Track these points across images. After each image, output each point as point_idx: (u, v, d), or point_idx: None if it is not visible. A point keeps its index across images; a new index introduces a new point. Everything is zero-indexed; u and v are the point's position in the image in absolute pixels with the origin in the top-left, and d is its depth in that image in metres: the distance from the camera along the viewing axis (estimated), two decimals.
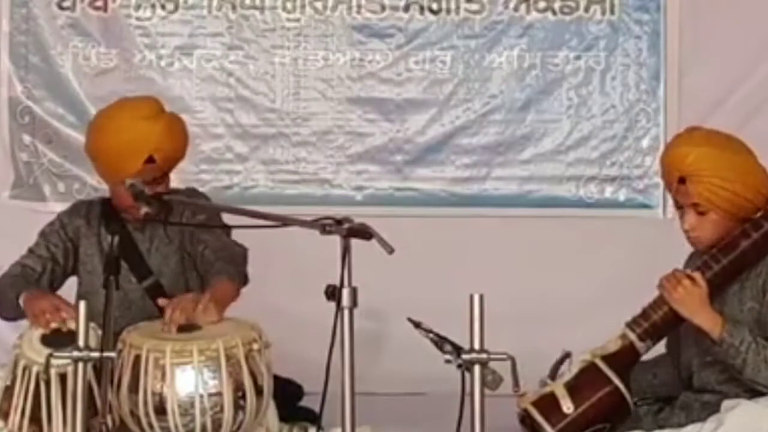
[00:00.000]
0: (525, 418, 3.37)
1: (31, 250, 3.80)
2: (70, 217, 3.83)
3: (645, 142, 5.15)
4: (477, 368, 2.79)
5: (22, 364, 3.31)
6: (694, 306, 3.30)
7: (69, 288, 3.83)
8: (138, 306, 3.71)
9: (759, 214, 3.38)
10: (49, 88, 5.15)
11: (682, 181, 3.39)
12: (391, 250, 2.83)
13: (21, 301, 3.54)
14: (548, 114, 5.20)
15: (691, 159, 3.38)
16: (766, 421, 3.17)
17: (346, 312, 2.84)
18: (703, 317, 3.29)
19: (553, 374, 3.42)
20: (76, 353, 2.92)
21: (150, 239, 3.78)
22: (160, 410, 3.15)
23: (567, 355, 3.42)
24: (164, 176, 3.72)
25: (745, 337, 3.26)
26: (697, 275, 3.32)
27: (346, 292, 2.84)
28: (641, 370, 3.52)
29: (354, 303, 2.85)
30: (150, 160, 3.64)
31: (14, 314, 3.62)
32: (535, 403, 3.34)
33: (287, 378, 3.89)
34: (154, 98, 3.83)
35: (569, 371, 3.38)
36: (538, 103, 5.19)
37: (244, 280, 3.66)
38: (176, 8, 5.14)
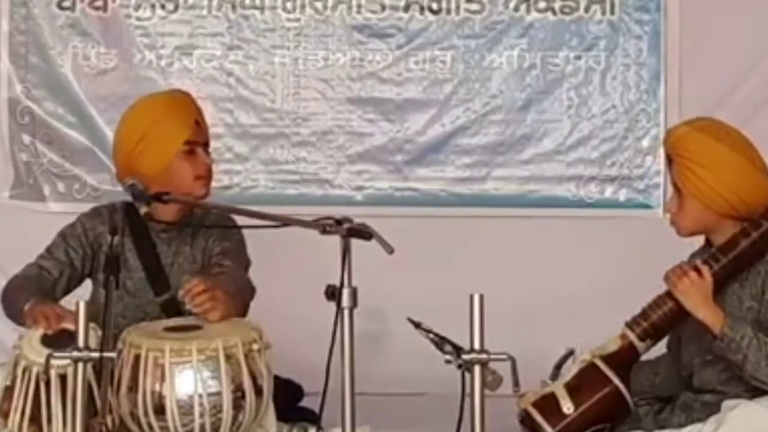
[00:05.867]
0: (525, 419, 3.37)
1: (49, 251, 3.70)
2: (92, 221, 3.72)
3: (645, 142, 5.15)
4: (477, 368, 2.79)
5: (22, 364, 3.30)
6: (698, 299, 3.29)
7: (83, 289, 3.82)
8: (153, 319, 3.59)
9: (759, 214, 3.38)
10: (49, 88, 5.15)
11: (669, 159, 3.42)
12: (391, 250, 2.82)
13: (24, 310, 3.50)
14: (548, 114, 5.20)
15: (675, 139, 3.42)
16: (767, 422, 3.17)
17: (346, 312, 2.84)
18: (706, 311, 3.28)
19: (556, 372, 3.43)
20: (76, 353, 2.92)
21: (174, 254, 3.71)
22: (159, 410, 3.14)
23: (570, 353, 3.43)
24: (208, 146, 3.75)
25: (746, 332, 3.25)
26: (704, 268, 3.31)
27: (346, 292, 2.84)
28: (643, 369, 3.53)
29: (354, 303, 2.85)
30: (196, 122, 3.68)
31: (18, 319, 3.57)
32: (535, 404, 3.34)
33: (287, 378, 3.89)
34: None
35: (570, 371, 3.39)
36: (538, 103, 5.19)
37: (244, 312, 3.59)
38: (176, 8, 5.15)
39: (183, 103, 3.73)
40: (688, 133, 3.40)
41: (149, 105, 3.73)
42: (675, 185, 3.43)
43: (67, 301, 3.60)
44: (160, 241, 3.71)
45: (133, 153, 3.62)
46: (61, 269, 3.68)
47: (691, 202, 3.37)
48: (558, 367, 3.44)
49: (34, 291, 3.57)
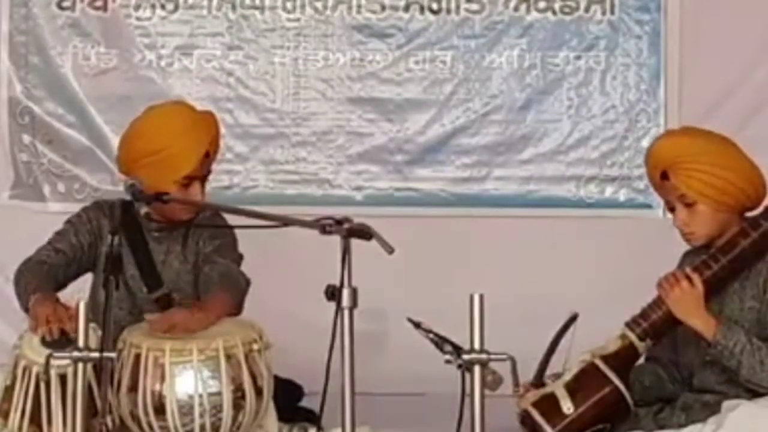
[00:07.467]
0: (525, 419, 3.37)
1: (59, 234, 3.76)
2: (96, 213, 3.79)
3: (645, 142, 5.13)
4: (477, 368, 2.79)
5: (22, 364, 3.31)
6: (689, 307, 3.30)
7: (83, 281, 3.83)
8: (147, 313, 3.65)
9: (758, 213, 3.38)
10: (49, 88, 5.14)
11: (665, 176, 3.40)
12: (391, 250, 2.82)
13: (30, 303, 3.51)
14: (548, 114, 5.20)
15: (668, 148, 3.41)
16: (767, 422, 3.17)
17: (346, 312, 2.84)
18: (697, 320, 3.30)
19: (558, 339, 3.41)
20: (76, 353, 2.92)
21: (166, 252, 3.76)
22: (159, 410, 3.15)
23: (574, 318, 3.42)
24: (208, 176, 3.77)
25: (739, 338, 3.26)
26: (695, 276, 3.32)
27: (346, 292, 2.84)
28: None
29: (354, 303, 2.85)
30: (206, 154, 3.69)
31: (24, 308, 3.58)
32: (535, 404, 3.34)
33: (287, 378, 3.89)
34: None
35: (570, 371, 3.38)
36: (538, 103, 5.19)
37: (239, 307, 3.62)
38: (176, 8, 5.14)
39: (203, 131, 3.72)
40: (677, 142, 3.43)
41: (173, 123, 3.72)
42: (681, 198, 3.38)
43: (70, 295, 3.60)
44: (152, 240, 3.76)
45: (139, 162, 3.67)
46: (74, 251, 3.74)
47: (703, 207, 3.35)
48: (560, 334, 3.43)
49: (42, 280, 3.58)
